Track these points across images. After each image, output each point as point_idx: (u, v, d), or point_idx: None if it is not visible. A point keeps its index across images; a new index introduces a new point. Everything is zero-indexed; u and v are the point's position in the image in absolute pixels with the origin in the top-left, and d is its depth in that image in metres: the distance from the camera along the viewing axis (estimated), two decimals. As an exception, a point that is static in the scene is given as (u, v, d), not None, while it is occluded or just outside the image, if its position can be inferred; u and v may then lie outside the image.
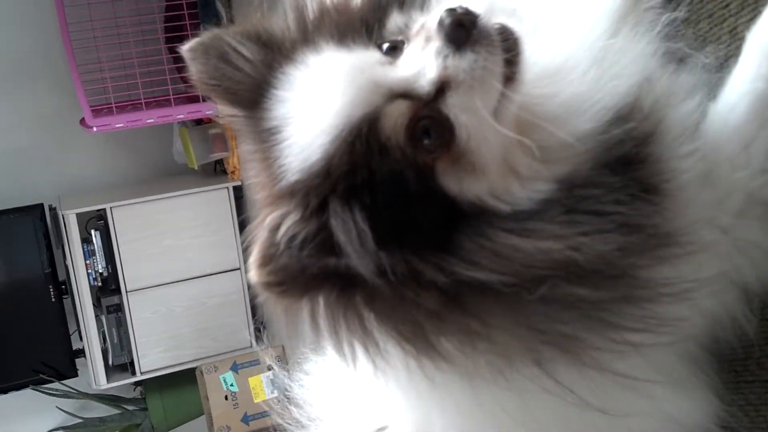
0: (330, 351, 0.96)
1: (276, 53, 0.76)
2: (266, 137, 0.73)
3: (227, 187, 3.73)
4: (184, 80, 3.47)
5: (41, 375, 3.62)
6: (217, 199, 3.72)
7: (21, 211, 3.61)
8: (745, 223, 0.76)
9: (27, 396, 3.65)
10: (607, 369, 0.69)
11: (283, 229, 0.66)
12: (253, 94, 0.76)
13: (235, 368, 3.48)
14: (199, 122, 3.77)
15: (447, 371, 0.69)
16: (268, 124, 0.73)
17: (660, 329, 0.68)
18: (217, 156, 3.73)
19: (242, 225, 3.79)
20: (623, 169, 0.69)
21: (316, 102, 0.69)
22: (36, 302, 3.62)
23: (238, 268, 3.75)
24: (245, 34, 0.79)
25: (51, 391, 3.67)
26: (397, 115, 0.67)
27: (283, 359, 3.36)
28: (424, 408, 0.79)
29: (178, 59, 3.56)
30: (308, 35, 0.77)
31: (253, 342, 3.72)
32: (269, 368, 3.39)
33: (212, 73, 0.79)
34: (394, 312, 0.67)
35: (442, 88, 0.68)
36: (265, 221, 0.69)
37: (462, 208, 0.68)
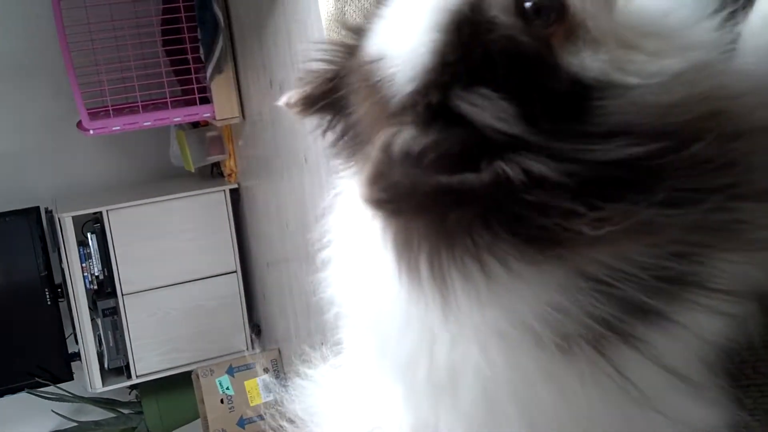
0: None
1: (357, 37, 0.74)
2: (366, 70, 0.68)
3: (224, 190, 3.73)
4: (181, 83, 3.48)
5: (37, 378, 3.61)
6: (213, 201, 3.72)
7: (17, 213, 3.60)
8: None
9: (22, 399, 3.64)
10: (655, 355, 0.66)
11: (397, 144, 0.60)
12: (341, 79, 0.74)
13: (231, 372, 3.48)
14: (195, 125, 3.78)
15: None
16: (367, 58, 0.69)
17: None
18: (213, 158, 3.74)
19: (238, 228, 3.79)
20: None
21: (413, 7, 0.65)
22: (32, 305, 3.62)
23: (235, 271, 3.76)
24: (324, 48, 0.77)
25: (46, 395, 3.67)
26: None
27: (279, 362, 3.36)
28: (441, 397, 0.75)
29: (175, 62, 3.57)
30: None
31: (250, 345, 3.73)
32: (265, 371, 3.40)
33: (302, 96, 0.77)
34: (524, 215, 0.59)
35: None
36: (376, 142, 0.62)
37: (587, 84, 0.62)
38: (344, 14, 1.56)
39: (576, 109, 0.60)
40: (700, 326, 0.68)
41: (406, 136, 0.60)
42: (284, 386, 0.99)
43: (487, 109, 0.59)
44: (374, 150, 0.61)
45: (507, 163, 0.58)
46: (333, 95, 0.75)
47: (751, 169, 0.61)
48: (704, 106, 0.61)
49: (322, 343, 1.02)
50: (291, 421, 0.95)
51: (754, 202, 0.62)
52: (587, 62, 0.62)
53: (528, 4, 0.62)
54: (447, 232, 0.61)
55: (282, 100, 0.78)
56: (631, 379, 0.66)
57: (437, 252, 0.62)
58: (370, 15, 0.72)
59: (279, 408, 0.96)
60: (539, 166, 0.58)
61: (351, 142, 0.75)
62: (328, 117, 0.77)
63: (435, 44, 0.62)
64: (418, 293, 0.65)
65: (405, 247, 0.64)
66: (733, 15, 0.69)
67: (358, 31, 0.73)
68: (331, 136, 0.77)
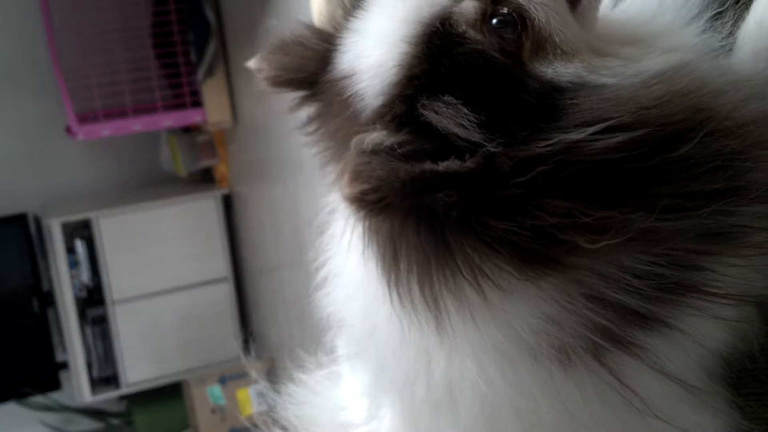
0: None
1: (336, 33, 0.76)
2: (339, 86, 0.71)
3: (215, 196, 3.72)
4: (172, 87, 3.46)
5: (24, 388, 3.58)
6: (205, 207, 3.70)
7: (4, 220, 3.58)
8: None
9: (9, 410, 3.60)
10: (655, 361, 0.65)
11: (370, 141, 0.62)
12: (318, 71, 0.75)
13: (222, 381, 3.46)
14: (187, 129, 3.76)
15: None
16: (339, 74, 0.71)
17: None
18: (205, 163, 3.72)
19: (230, 234, 3.77)
20: None
21: (382, 22, 0.69)
22: (19, 313, 3.59)
23: (226, 278, 3.73)
24: (305, 30, 0.79)
25: (34, 405, 3.64)
26: (467, 11, 0.66)
27: (273, 371, 3.33)
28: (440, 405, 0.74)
29: (166, 65, 3.57)
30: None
31: (242, 354, 3.69)
32: (257, 381, 3.36)
33: (279, 65, 0.78)
34: (509, 216, 0.59)
35: None
36: (352, 148, 0.64)
37: (562, 86, 0.64)
38: (336, 17, 1.57)
39: (548, 111, 0.62)
40: (701, 332, 0.67)
41: (377, 135, 0.62)
42: (277, 395, 0.96)
43: (449, 116, 0.61)
44: (350, 154, 0.62)
45: (493, 151, 0.59)
46: (305, 75, 0.77)
47: (744, 170, 0.61)
48: (686, 101, 0.61)
49: (317, 351, 1.00)
50: (284, 428, 0.93)
51: (752, 204, 0.61)
52: (560, 69, 0.64)
53: (495, 20, 0.65)
54: (437, 246, 0.61)
55: (252, 63, 0.79)
56: (632, 386, 0.65)
57: (428, 273, 0.62)
58: (340, 26, 0.75)
59: (272, 414, 0.94)
60: (532, 150, 0.59)
61: (328, 155, 0.77)
62: (300, 94, 0.78)
63: (403, 57, 0.65)
64: (411, 317, 0.65)
65: (393, 266, 0.64)
66: (718, 17, 0.72)
67: (329, 38, 0.75)
68: (302, 116, 0.79)
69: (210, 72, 3.30)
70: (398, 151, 0.60)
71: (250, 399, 3.40)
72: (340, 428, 0.90)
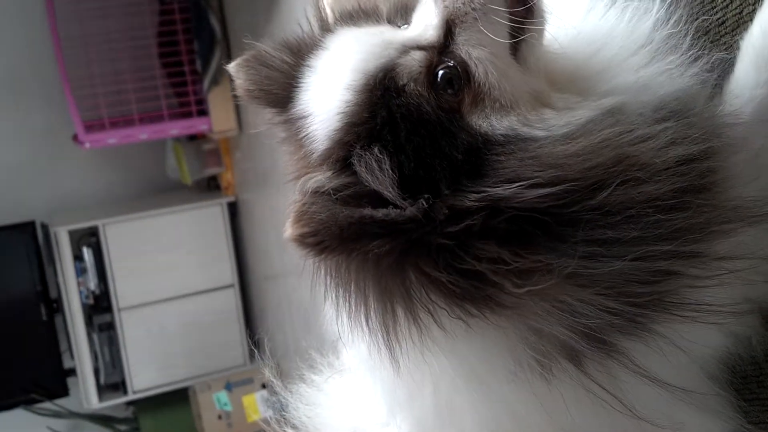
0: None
1: (304, 54, 0.78)
2: (297, 125, 0.74)
3: (221, 203, 3.71)
4: (178, 95, 3.47)
5: (32, 394, 3.57)
6: (210, 215, 3.71)
7: (12, 228, 3.58)
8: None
9: (17, 416, 3.61)
10: (638, 366, 0.66)
11: (312, 183, 0.66)
12: (286, 92, 0.78)
13: (228, 387, 3.46)
14: (192, 138, 3.76)
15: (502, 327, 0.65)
16: (298, 113, 0.75)
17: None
18: (210, 171, 3.73)
19: (236, 241, 3.77)
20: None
21: (334, 68, 0.72)
22: (27, 320, 3.59)
23: (232, 285, 3.73)
24: (280, 44, 0.81)
25: (42, 411, 3.63)
26: (412, 64, 0.69)
27: (279, 377, 3.33)
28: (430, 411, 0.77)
29: (172, 74, 3.56)
30: (329, 30, 0.80)
31: (247, 360, 3.69)
32: (263, 386, 3.36)
33: (252, 79, 0.81)
34: (439, 262, 0.63)
35: (449, 29, 0.70)
36: (297, 189, 0.68)
37: (495, 139, 0.67)
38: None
39: (477, 167, 0.65)
40: (690, 338, 0.68)
41: (320, 177, 0.66)
42: (286, 398, 0.98)
43: (371, 171, 0.64)
44: (296, 194, 0.66)
45: (430, 200, 0.62)
46: (274, 95, 0.80)
47: (668, 216, 0.62)
48: (606, 152, 0.63)
49: (327, 353, 1.01)
50: (295, 428, 0.94)
51: (682, 258, 0.63)
52: (495, 123, 0.67)
53: (441, 72, 0.68)
54: (376, 287, 0.64)
55: (231, 67, 0.82)
56: (616, 392, 0.67)
57: (369, 310, 0.66)
58: (312, 42, 0.78)
59: (283, 414, 0.96)
60: (463, 202, 0.62)
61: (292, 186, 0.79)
62: (272, 111, 0.81)
63: (346, 105, 0.68)
64: (373, 347, 0.68)
65: (344, 302, 0.67)
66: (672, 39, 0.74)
67: (300, 55, 0.78)
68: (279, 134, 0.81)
69: (215, 81, 3.31)
70: (340, 194, 0.64)
71: (256, 405, 3.40)
72: (347, 426, 0.91)
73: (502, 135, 0.66)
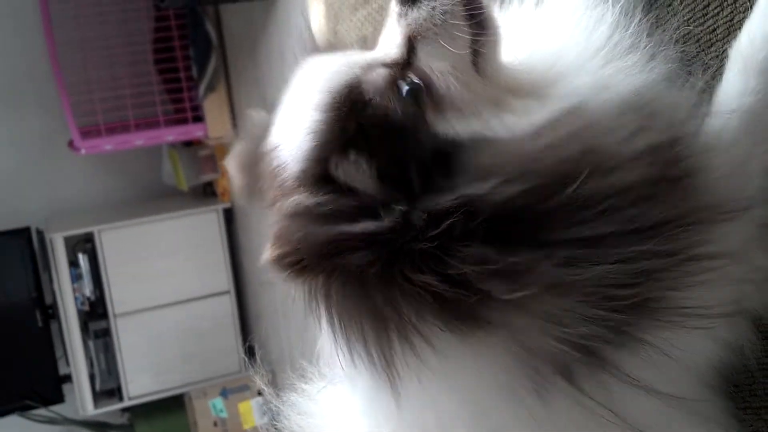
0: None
1: None
2: (269, 159, 0.75)
3: (217, 210, 3.71)
4: (173, 102, 3.47)
5: (27, 401, 3.56)
6: (206, 221, 3.70)
7: (8, 234, 3.57)
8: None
9: (12, 422, 3.59)
10: (629, 377, 0.66)
11: (289, 205, 0.67)
12: None
13: (224, 394, 3.45)
14: (188, 144, 3.76)
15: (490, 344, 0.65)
16: (269, 148, 0.75)
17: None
18: (206, 177, 3.73)
19: (232, 247, 3.76)
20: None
21: (300, 93, 0.74)
22: (22, 327, 3.58)
23: (228, 292, 3.73)
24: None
25: (37, 418, 3.62)
26: (376, 80, 0.71)
27: (274, 384, 3.33)
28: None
29: (168, 81, 3.56)
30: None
31: (243, 367, 3.69)
32: (259, 393, 3.36)
33: (245, 181, 0.84)
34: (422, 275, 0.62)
35: (412, 46, 0.72)
36: (274, 215, 0.69)
37: (462, 142, 0.68)
38: (336, 33, 1.58)
39: (448, 168, 0.67)
40: (681, 346, 0.68)
41: (296, 198, 0.67)
42: (280, 405, 0.96)
43: (351, 172, 0.66)
44: (274, 219, 0.67)
45: (406, 209, 0.63)
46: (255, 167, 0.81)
47: (643, 209, 0.62)
48: (573, 146, 0.64)
49: (319, 361, 1.00)
50: None
51: (661, 257, 0.63)
52: (458, 127, 0.69)
53: (403, 88, 0.70)
54: (362, 304, 0.63)
55: (229, 167, 0.86)
56: (611, 405, 0.66)
57: (360, 331, 0.65)
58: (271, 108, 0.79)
59: (275, 424, 0.94)
60: (439, 204, 0.62)
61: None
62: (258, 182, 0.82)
63: (316, 124, 0.70)
64: (362, 371, 0.68)
65: (329, 324, 0.67)
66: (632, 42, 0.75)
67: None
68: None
69: (211, 87, 3.31)
70: (317, 211, 0.64)
71: (251, 411, 3.40)
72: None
73: (467, 139, 0.68)
